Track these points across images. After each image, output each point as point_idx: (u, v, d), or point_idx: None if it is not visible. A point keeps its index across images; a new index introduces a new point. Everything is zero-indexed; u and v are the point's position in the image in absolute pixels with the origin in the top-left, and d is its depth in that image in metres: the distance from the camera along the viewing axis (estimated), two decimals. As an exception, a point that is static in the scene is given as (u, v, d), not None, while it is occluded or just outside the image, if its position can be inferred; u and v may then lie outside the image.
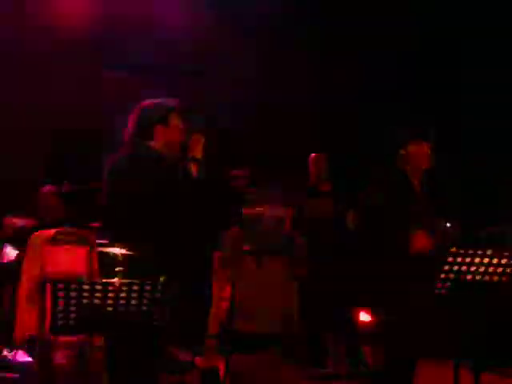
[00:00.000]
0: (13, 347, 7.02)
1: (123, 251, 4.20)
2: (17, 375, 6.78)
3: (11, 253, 7.33)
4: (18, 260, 6.97)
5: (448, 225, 5.95)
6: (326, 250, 7.68)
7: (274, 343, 8.73)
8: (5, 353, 7.00)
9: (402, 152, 5.68)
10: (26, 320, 6.51)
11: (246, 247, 8.39)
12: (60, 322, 3.98)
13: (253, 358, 8.15)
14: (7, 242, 7.38)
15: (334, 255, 7.62)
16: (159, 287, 4.03)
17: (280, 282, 8.70)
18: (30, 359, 6.78)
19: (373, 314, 8.37)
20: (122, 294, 3.97)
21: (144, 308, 4.04)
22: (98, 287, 3.95)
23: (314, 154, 8.31)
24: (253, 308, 8.69)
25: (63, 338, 6.38)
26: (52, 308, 3.96)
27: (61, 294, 3.92)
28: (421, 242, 5.40)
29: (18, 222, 7.42)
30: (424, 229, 5.53)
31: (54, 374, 6.64)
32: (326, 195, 7.95)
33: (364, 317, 8.80)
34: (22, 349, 7.02)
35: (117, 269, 4.04)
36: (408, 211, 5.53)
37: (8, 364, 6.94)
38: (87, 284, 3.93)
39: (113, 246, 4.25)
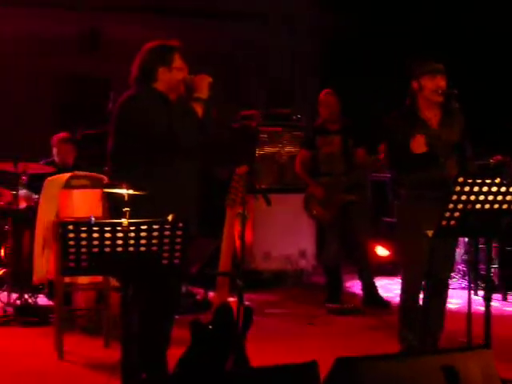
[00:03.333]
0: (34, 292, 7.13)
1: (130, 191, 4.21)
2: (37, 319, 6.90)
3: (27, 198, 7.40)
4: (34, 205, 7.04)
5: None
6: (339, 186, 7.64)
7: (288, 280, 8.80)
8: (26, 297, 7.12)
9: (415, 85, 5.64)
10: (44, 264, 6.60)
11: (260, 186, 8.38)
12: (71, 264, 4.01)
13: (267, 294, 8.22)
14: (23, 188, 7.45)
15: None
16: (168, 226, 4.05)
17: (294, 219, 8.71)
18: (50, 303, 6.90)
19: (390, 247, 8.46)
20: (131, 234, 4.00)
21: (154, 248, 4.06)
22: (107, 228, 3.98)
23: (324, 92, 7.87)
24: (266, 246, 8.73)
25: (82, 281, 6.46)
26: (63, 250, 3.99)
27: (71, 235, 3.95)
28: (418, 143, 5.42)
29: (34, 167, 7.47)
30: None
31: (73, 317, 6.75)
32: (334, 133, 7.73)
33: (381, 251, 8.86)
34: (42, 293, 7.14)
35: (124, 209, 4.05)
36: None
37: (29, 308, 7.06)
38: (96, 225, 3.96)
39: (119, 187, 4.26)
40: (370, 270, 7.82)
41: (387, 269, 8.46)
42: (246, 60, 12.48)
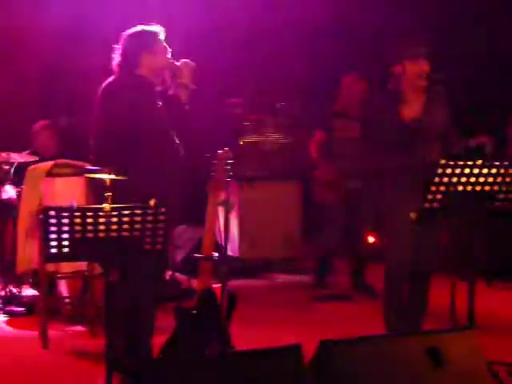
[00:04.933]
0: (19, 282, 7.10)
1: (111, 176, 4.20)
2: (22, 309, 6.88)
3: (10, 189, 7.36)
4: (18, 196, 6.99)
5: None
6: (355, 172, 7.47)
7: (274, 267, 8.80)
8: (11, 288, 7.09)
9: (398, 68, 5.59)
10: (27, 254, 6.55)
11: (244, 173, 8.43)
12: (53, 250, 3.99)
13: (252, 281, 8.22)
14: (6, 178, 7.39)
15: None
16: (150, 211, 4.04)
17: (279, 206, 8.72)
18: (35, 293, 6.87)
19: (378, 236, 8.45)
20: (114, 219, 3.99)
21: (136, 232, 4.05)
22: (89, 213, 3.96)
23: (349, 75, 7.67)
24: (251, 233, 8.72)
25: (66, 269, 6.43)
26: (45, 236, 3.98)
27: (53, 221, 3.93)
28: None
29: (17, 157, 7.41)
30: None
31: (59, 306, 6.72)
32: (354, 119, 7.34)
33: (370, 239, 8.86)
34: (27, 283, 7.10)
35: (105, 194, 4.03)
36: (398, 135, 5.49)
37: (14, 299, 7.04)
38: (78, 210, 3.94)
39: (101, 172, 4.24)
40: (362, 256, 7.81)
41: (374, 255, 8.46)
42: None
